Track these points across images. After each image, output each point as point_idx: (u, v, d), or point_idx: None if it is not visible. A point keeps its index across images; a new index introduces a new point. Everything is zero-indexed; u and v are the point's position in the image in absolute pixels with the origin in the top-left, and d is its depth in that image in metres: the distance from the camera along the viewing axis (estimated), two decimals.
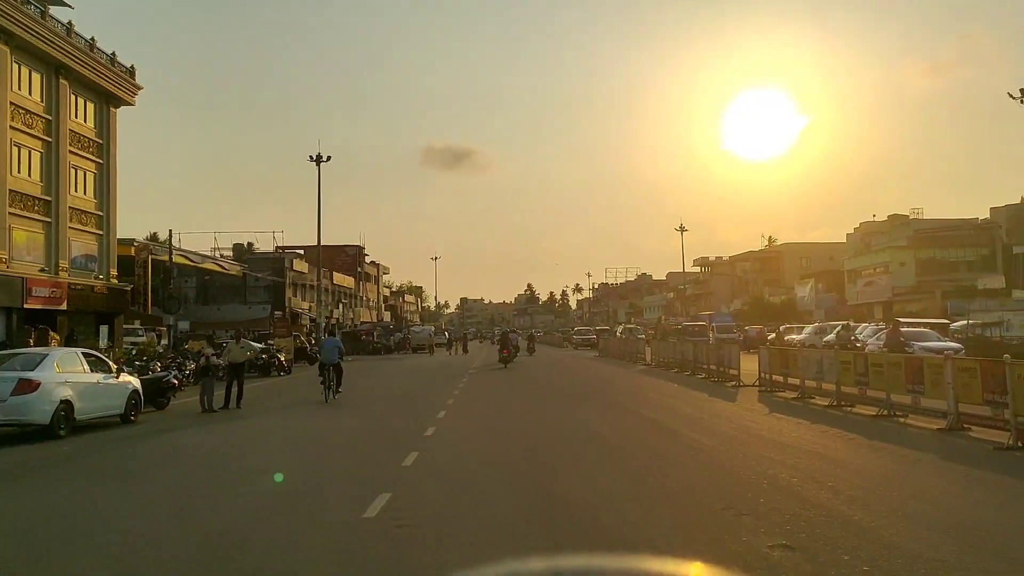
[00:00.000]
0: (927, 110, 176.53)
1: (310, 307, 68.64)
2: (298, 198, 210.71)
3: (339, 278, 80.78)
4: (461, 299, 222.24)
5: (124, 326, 39.46)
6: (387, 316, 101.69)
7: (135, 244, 39.32)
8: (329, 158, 64.26)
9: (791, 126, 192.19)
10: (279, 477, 10.07)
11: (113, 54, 37.96)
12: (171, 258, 40.49)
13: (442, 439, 13.85)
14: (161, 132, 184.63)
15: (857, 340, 40.98)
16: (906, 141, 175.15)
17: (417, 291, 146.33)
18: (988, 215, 74.97)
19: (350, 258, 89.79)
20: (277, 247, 78.53)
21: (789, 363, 18.75)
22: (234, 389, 20.38)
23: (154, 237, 68.22)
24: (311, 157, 64.07)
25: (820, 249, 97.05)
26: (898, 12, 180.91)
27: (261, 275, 64.52)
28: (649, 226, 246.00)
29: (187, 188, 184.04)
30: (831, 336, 46.14)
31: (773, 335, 49.46)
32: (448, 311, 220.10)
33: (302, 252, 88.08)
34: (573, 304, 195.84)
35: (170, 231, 40.91)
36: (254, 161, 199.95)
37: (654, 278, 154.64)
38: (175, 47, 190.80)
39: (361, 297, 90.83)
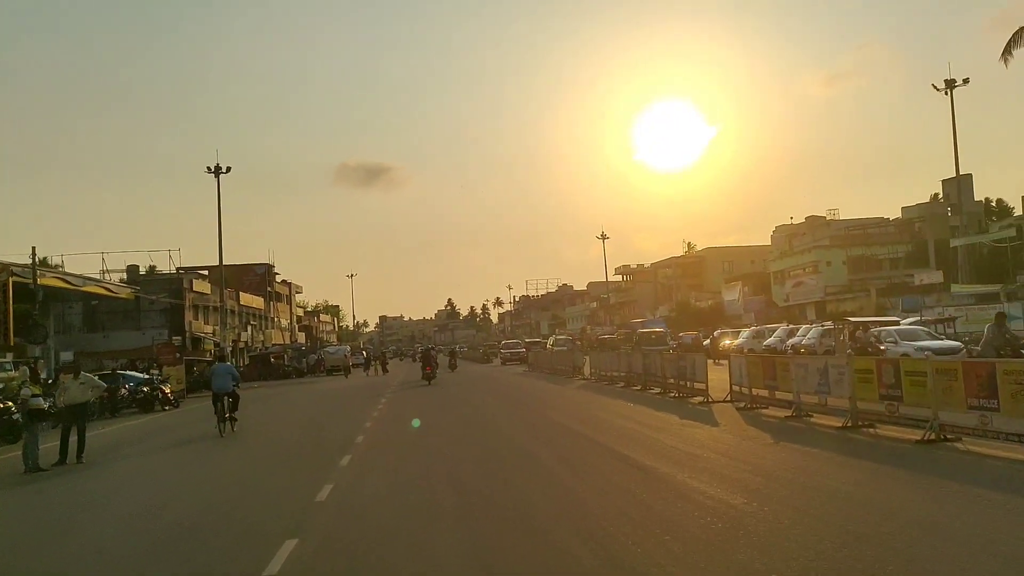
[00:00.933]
0: (829, 117, 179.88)
1: (214, 330, 62.80)
2: (202, 215, 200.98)
3: (247, 299, 74.93)
4: (380, 317, 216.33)
5: None
6: (302, 337, 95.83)
7: None
8: (228, 169, 59.24)
9: (700, 136, 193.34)
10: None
11: None
12: (35, 279, 34.80)
13: (359, 472, 11.65)
14: (39, 135, 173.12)
15: (801, 346, 38.21)
16: (811, 147, 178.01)
17: (333, 310, 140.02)
18: (899, 214, 74.77)
19: (259, 277, 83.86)
20: (178, 268, 72.40)
21: (777, 374, 15.06)
22: (74, 438, 15.55)
23: (44, 261, 61.46)
24: (209, 168, 58.96)
25: (742, 253, 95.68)
26: (798, 24, 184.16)
27: (156, 297, 58.53)
28: (568, 237, 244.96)
29: (72, 205, 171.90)
30: (772, 339, 43.48)
31: (707, 341, 46.55)
32: (367, 330, 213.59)
33: (205, 272, 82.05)
34: (495, 318, 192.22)
35: (33, 248, 35.18)
36: (149, 174, 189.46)
37: (575, 288, 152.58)
38: (51, 32, 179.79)
39: (272, 318, 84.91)
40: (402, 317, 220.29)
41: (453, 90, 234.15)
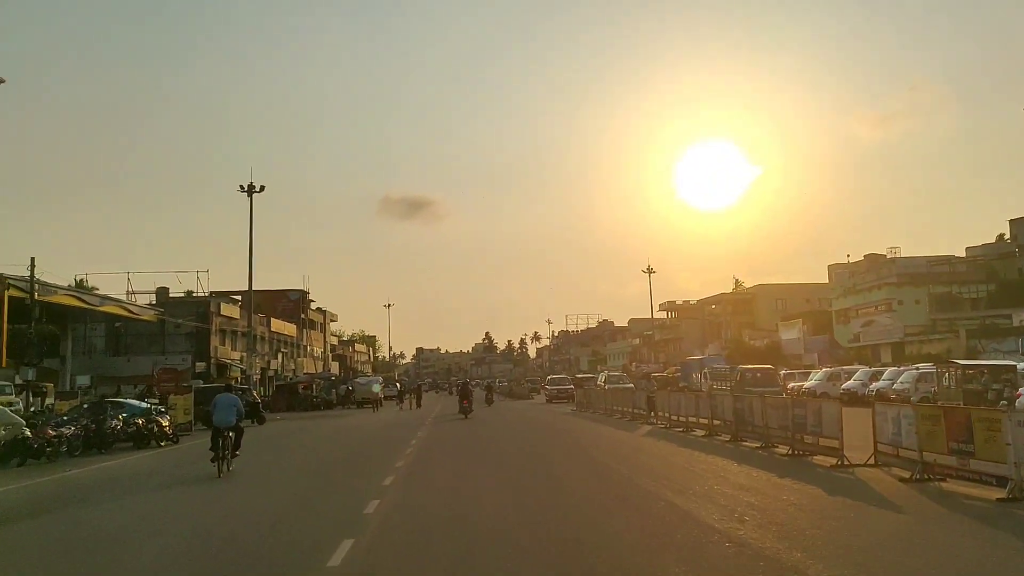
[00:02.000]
0: (879, 158, 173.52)
1: (241, 357, 58.94)
2: (239, 241, 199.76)
3: (278, 325, 71.21)
4: (417, 349, 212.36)
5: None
6: (335, 367, 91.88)
7: None
8: (262, 188, 55.69)
9: (744, 176, 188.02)
10: None
11: None
12: (32, 295, 31.03)
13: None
14: (60, 149, 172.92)
15: (892, 391, 33.01)
16: (860, 187, 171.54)
17: (370, 341, 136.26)
18: (962, 253, 69.23)
19: (292, 303, 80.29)
20: (210, 292, 69.00)
21: (975, 434, 10.25)
22: None
23: (81, 283, 58.33)
24: (241, 187, 55.54)
25: (795, 290, 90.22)
26: (847, 66, 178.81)
27: (180, 321, 54.92)
28: (607, 274, 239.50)
29: (109, 224, 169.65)
30: (852, 383, 38.26)
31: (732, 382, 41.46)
32: (404, 361, 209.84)
33: (238, 298, 78.66)
34: (532, 353, 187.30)
35: (32, 260, 31.41)
36: (183, 198, 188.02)
37: (616, 324, 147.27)
38: (80, 44, 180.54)
39: (304, 346, 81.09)
40: (439, 350, 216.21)
41: (495, 126, 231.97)
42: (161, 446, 24.58)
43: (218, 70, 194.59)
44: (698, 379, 42.45)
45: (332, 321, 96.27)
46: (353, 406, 57.49)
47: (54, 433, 20.92)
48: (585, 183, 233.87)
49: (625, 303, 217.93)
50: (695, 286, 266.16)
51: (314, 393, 55.37)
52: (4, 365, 29.52)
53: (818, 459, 14.30)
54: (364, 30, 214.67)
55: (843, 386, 37.82)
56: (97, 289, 55.41)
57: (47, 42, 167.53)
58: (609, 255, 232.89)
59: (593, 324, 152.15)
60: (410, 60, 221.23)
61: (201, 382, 46.96)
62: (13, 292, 31.06)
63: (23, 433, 20.43)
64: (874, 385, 36.03)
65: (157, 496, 14.34)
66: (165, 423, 25.07)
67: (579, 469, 15.39)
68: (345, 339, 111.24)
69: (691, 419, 22.14)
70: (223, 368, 56.90)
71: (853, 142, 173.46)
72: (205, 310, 55.73)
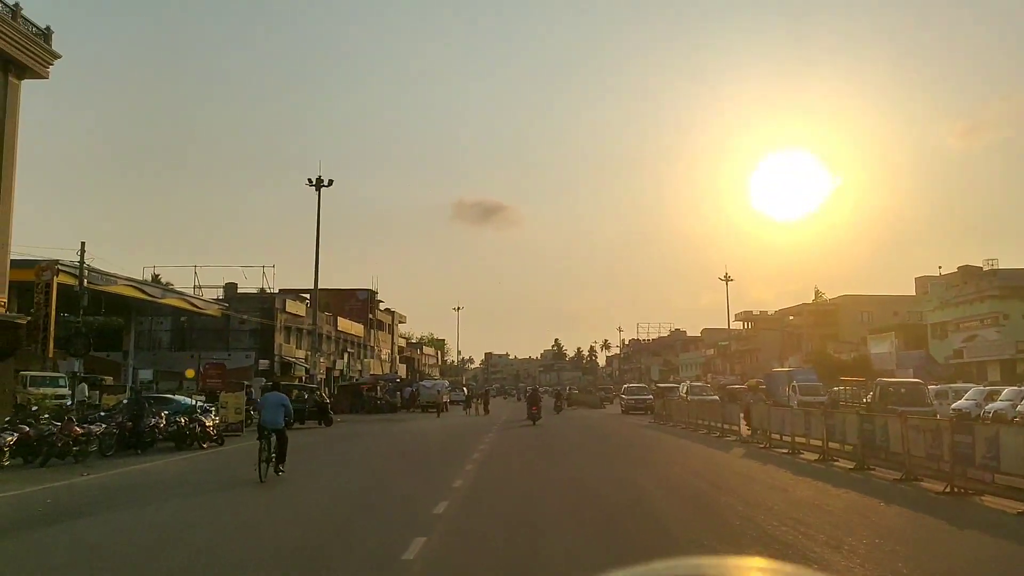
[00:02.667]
0: (966, 169, 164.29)
1: (306, 356, 57.22)
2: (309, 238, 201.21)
3: (345, 324, 69.56)
4: (486, 354, 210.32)
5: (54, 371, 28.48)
6: (402, 370, 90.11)
7: (40, 264, 28.18)
8: (331, 182, 54.04)
9: (822, 186, 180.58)
10: None
11: (16, 5, 27.64)
12: (81, 282, 29.40)
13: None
14: (131, 141, 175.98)
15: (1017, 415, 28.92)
16: (946, 198, 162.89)
17: (439, 344, 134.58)
18: None
19: (360, 303, 78.72)
20: (280, 289, 67.83)
21: None
22: None
23: (157, 278, 57.58)
24: (309, 181, 53.91)
25: (883, 302, 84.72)
26: (933, 75, 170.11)
27: (245, 317, 53.51)
28: (679, 284, 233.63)
29: (172, 215, 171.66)
30: (963, 403, 34.13)
31: (868, 397, 37.41)
32: (472, 366, 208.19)
33: (306, 296, 77.51)
34: (602, 361, 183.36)
35: (82, 244, 29.69)
36: (255, 192, 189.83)
37: (688, 334, 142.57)
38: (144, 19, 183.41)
39: (372, 347, 79.44)
40: (507, 355, 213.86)
41: (571, 133, 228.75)
42: (203, 447, 22.39)
43: (297, 67, 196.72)
44: (786, 394, 38.63)
45: (400, 323, 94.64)
46: (417, 410, 55.29)
47: (81, 431, 18.81)
48: (659, 192, 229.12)
49: (696, 314, 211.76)
50: (769, 297, 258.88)
51: (378, 395, 53.28)
52: (52, 356, 27.90)
53: (989, 500, 11.01)
54: (442, 36, 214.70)
55: (952, 406, 33.82)
56: (171, 284, 54.48)
57: (117, 28, 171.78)
58: (682, 265, 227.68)
59: (664, 333, 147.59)
60: (487, 67, 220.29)
61: (264, 380, 45.25)
62: (65, 279, 29.50)
63: (48, 429, 18.38)
64: (990, 406, 32.04)
65: (178, 504, 11.99)
66: (209, 423, 22.84)
67: (676, 500, 12.37)
68: (414, 342, 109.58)
69: (798, 439, 18.81)
70: (287, 366, 55.31)
71: (939, 152, 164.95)
72: (270, 306, 54.23)
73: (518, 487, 14.08)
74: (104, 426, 19.96)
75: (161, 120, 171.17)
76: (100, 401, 29.09)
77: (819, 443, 17.56)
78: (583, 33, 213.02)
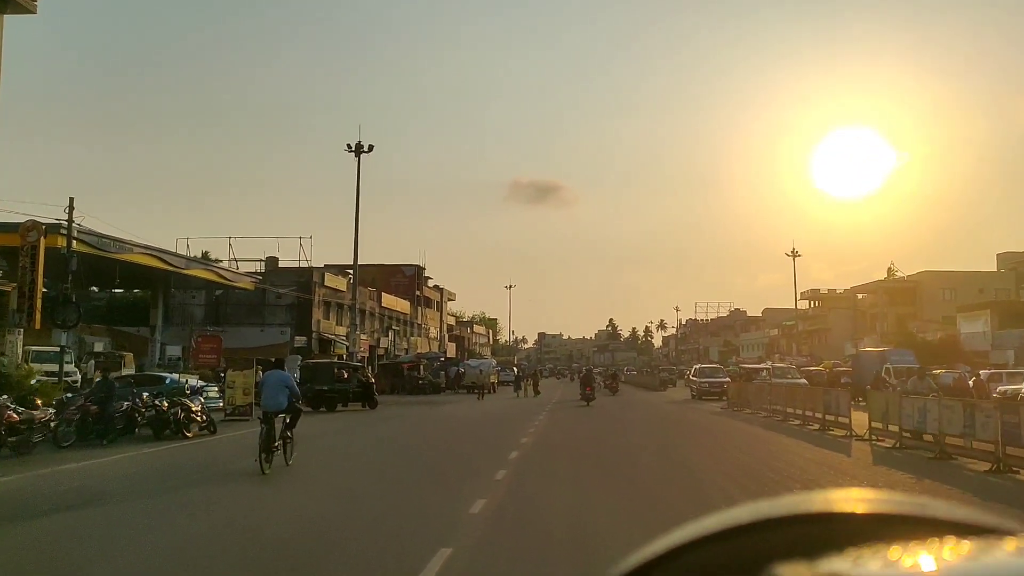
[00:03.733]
0: None
1: (347, 332, 53.28)
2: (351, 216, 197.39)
3: (390, 301, 65.53)
4: (539, 334, 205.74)
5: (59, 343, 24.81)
6: (452, 349, 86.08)
7: (24, 224, 24.30)
8: (371, 148, 49.91)
9: (885, 163, 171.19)
10: None
11: None
12: (69, 243, 25.43)
13: None
14: (162, 104, 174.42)
15: None
16: (1019, 174, 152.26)
17: (491, 323, 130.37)
18: None
19: (407, 279, 74.70)
20: (326, 264, 64.13)
21: None
22: None
23: (206, 256, 54.09)
24: (349, 146, 49.81)
25: (967, 279, 77.74)
26: (1005, 47, 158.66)
27: (281, 291, 49.75)
28: (736, 265, 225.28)
29: (198, 186, 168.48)
30: None
31: (972, 381, 31.65)
32: (526, 346, 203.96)
33: (350, 271, 73.78)
34: (658, 342, 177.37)
35: (71, 199, 25.64)
36: (296, 170, 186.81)
37: (748, 314, 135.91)
38: None
39: (419, 325, 75.42)
40: (561, 335, 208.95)
41: (629, 112, 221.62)
42: (187, 436, 18.22)
43: (352, 30, 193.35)
44: (882, 378, 32.86)
45: (450, 300, 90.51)
46: (463, 391, 51.10)
47: (18, 418, 14.76)
48: (716, 172, 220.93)
49: (753, 295, 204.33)
50: (830, 277, 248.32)
51: (420, 375, 49.12)
52: (38, 327, 24.11)
53: None
54: (502, 17, 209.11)
55: None
56: (220, 261, 50.83)
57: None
58: (739, 245, 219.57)
59: (724, 313, 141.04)
60: (546, 49, 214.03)
61: (301, 358, 41.46)
62: (79, 247, 25.68)
63: None
64: None
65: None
66: (195, 407, 18.63)
67: None
68: (464, 320, 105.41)
69: (949, 439, 13.68)
70: (326, 343, 51.48)
71: (1010, 127, 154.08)
72: (308, 280, 50.34)
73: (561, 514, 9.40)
74: (50, 413, 15.89)
75: (189, 71, 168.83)
76: (92, 377, 25.36)
77: (988, 447, 12.47)
78: (639, 17, 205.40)
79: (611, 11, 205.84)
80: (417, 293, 74.70)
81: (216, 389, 25.25)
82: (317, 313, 51.09)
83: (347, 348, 50.25)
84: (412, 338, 71.53)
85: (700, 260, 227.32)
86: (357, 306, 51.20)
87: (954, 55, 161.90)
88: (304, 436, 15.33)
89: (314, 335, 50.32)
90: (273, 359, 18.43)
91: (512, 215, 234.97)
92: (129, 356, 37.06)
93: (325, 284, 51.95)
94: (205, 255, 54.00)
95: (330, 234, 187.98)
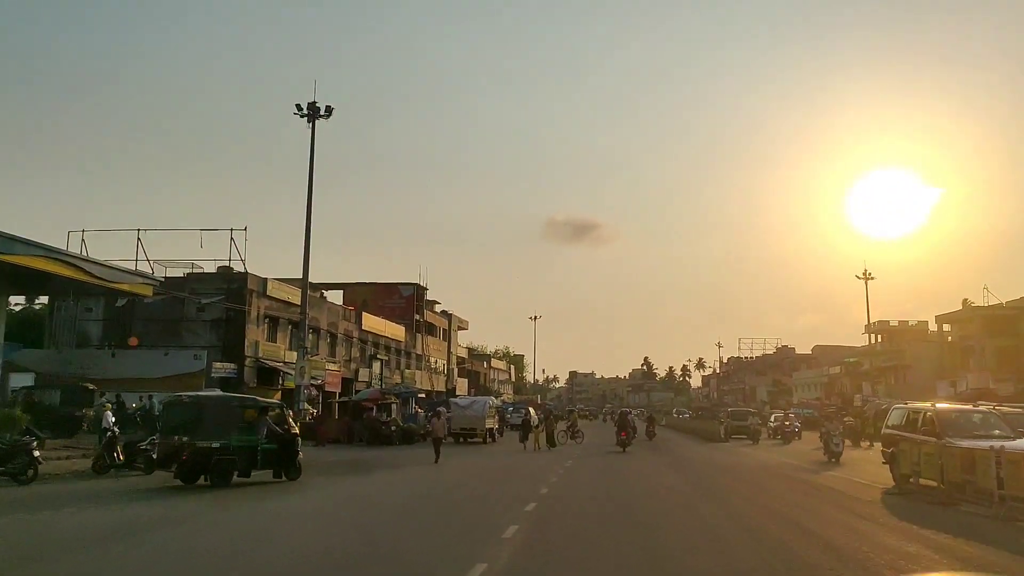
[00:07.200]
0: None
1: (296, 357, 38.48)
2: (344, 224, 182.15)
3: (375, 323, 50.85)
4: (570, 372, 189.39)
5: None
6: (463, 385, 70.92)
7: None
8: (330, 109, 35.93)
9: (921, 204, 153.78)
10: None
11: None
12: None
13: None
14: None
15: None
16: None
17: (516, 360, 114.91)
18: None
19: (405, 301, 60.15)
20: (321, 284, 49.90)
21: None
22: None
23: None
24: (297, 107, 35.94)
25: None
26: None
27: (208, 300, 35.31)
28: (774, 304, 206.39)
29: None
30: None
31: None
32: (557, 385, 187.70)
33: (340, 291, 59.37)
34: (696, 381, 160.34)
35: None
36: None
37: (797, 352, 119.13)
38: None
39: (419, 355, 60.52)
40: (593, 374, 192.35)
41: (665, 152, 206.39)
42: None
43: (384, 76, 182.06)
44: None
45: (462, 329, 75.55)
46: (450, 439, 36.04)
47: None
48: (754, 210, 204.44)
49: (794, 336, 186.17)
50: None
51: (387, 418, 34.05)
52: None
53: None
54: (533, 58, 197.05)
55: None
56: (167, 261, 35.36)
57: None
58: (777, 285, 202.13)
59: (769, 351, 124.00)
60: (580, 80, 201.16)
61: (219, 390, 26.88)
62: None
63: None
64: None
65: None
66: None
67: None
68: (480, 353, 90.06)
69: None
70: (269, 373, 36.79)
71: None
72: (240, 287, 35.78)
73: None
74: None
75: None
76: None
77: None
78: (675, 53, 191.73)
79: (645, 54, 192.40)
80: (416, 317, 59.95)
81: None
82: (255, 332, 36.45)
83: (314, 382, 35.59)
84: (408, 370, 56.60)
85: (737, 299, 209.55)
86: (307, 320, 36.48)
87: (989, 96, 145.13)
88: None
89: (250, 360, 35.68)
90: None
91: (546, 252, 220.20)
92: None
93: (269, 294, 37.37)
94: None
95: (337, 251, 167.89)
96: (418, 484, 18.82)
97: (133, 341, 34.69)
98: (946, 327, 71.69)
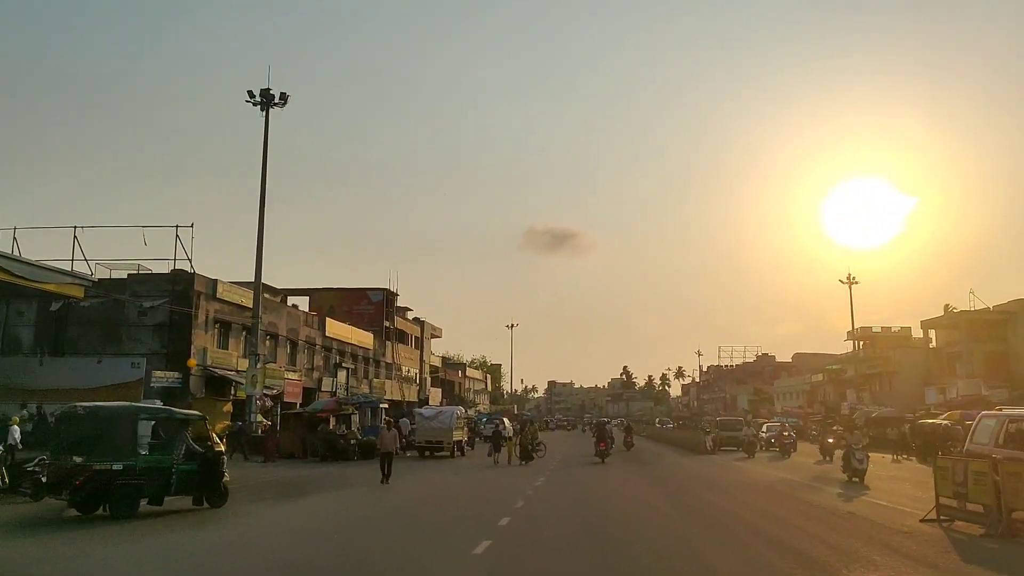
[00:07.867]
0: None
1: (248, 365, 35.32)
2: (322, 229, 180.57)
3: (339, 330, 47.83)
4: (549, 382, 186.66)
5: None
6: (436, 395, 67.97)
7: None
8: (284, 97, 33.33)
9: (897, 212, 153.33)
10: None
11: None
12: None
13: None
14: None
15: None
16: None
17: (493, 370, 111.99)
18: None
19: (374, 307, 57.16)
20: (282, 289, 46.94)
21: None
22: None
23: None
24: (249, 93, 33.25)
25: None
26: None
27: (149, 304, 32.25)
28: (753, 314, 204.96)
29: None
30: None
31: None
32: (536, 395, 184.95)
33: (307, 298, 56.41)
34: (675, 390, 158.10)
35: None
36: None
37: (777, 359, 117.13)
38: None
39: (389, 364, 57.48)
40: (572, 384, 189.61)
41: (643, 162, 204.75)
42: None
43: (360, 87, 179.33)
44: None
45: (436, 337, 72.56)
46: (413, 452, 33.19)
47: None
48: (731, 219, 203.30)
49: (773, 345, 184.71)
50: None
51: (343, 431, 31.06)
52: None
53: None
54: (513, 68, 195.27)
55: None
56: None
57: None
58: (754, 295, 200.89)
59: (750, 359, 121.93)
60: (565, 101, 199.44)
61: (159, 402, 23.92)
62: None
63: None
64: None
65: None
66: None
67: None
68: (455, 362, 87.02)
69: None
70: (218, 382, 33.70)
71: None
72: (185, 288, 32.70)
73: None
74: None
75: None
76: None
77: None
78: (654, 63, 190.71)
79: (624, 65, 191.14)
80: (386, 324, 56.95)
81: None
82: (203, 338, 33.34)
83: (258, 394, 32.48)
84: (376, 380, 53.55)
85: (716, 308, 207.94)
86: (261, 323, 33.59)
87: (966, 106, 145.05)
88: None
89: (196, 368, 32.56)
90: None
91: (525, 261, 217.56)
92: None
93: (219, 296, 34.30)
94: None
95: (307, 255, 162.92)
96: (357, 508, 15.96)
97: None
98: (931, 332, 69.80)
